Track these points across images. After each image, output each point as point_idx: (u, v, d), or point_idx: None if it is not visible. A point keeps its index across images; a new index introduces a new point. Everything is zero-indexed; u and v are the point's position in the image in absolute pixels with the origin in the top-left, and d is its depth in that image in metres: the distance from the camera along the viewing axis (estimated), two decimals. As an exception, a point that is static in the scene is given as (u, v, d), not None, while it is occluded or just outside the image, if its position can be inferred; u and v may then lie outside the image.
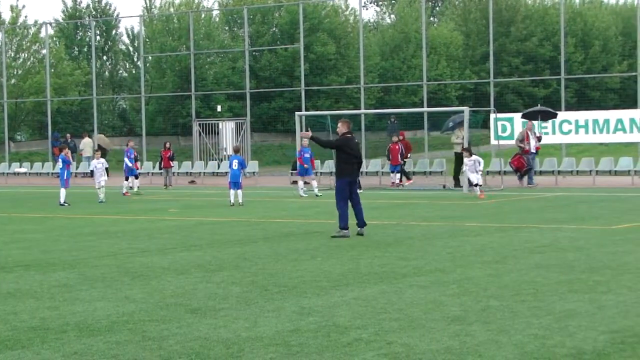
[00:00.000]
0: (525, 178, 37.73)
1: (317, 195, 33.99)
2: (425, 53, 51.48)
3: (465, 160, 32.53)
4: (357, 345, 9.47)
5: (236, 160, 30.97)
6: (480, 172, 32.29)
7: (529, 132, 38.20)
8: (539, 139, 38.60)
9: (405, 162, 41.77)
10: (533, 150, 37.97)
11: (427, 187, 39.39)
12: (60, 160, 32.68)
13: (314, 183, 35.29)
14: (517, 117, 44.17)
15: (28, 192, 41.67)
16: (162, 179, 43.73)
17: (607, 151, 48.78)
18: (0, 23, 67.71)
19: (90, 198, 33.49)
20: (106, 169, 34.75)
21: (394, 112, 56.71)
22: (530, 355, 8.93)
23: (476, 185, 31.90)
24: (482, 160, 32.40)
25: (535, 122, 39.18)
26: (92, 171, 34.92)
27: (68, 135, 58.34)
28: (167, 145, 43.38)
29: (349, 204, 20.07)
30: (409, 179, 41.26)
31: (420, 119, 51.78)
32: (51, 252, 17.97)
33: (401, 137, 42.15)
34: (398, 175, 40.98)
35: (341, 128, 20.53)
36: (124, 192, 37.07)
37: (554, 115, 40.54)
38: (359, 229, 20.09)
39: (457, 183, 38.09)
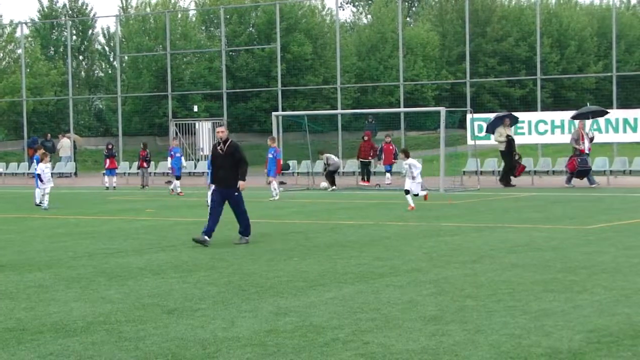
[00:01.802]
0: (573, 180, 36.78)
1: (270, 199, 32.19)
2: (401, 53, 51.53)
3: (403, 163, 28.32)
4: (334, 345, 9.48)
5: None
6: (418, 180, 27.27)
7: (582, 132, 37.35)
8: (591, 139, 37.89)
9: (370, 162, 41.97)
10: (587, 151, 37.02)
11: (403, 187, 39.37)
12: (35, 161, 32.50)
13: (274, 184, 33.07)
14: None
15: (3, 192, 41.45)
16: (139, 178, 43.67)
17: (583, 151, 48.92)
18: (-24, 23, 67.36)
19: (67, 198, 33.34)
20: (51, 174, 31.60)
21: (371, 112, 56.77)
22: (506, 355, 8.96)
23: (407, 192, 27.11)
24: (419, 166, 27.54)
25: (587, 122, 38.69)
26: (38, 175, 30.44)
27: (48, 135, 58.25)
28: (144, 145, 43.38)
29: (221, 211, 19.13)
30: (368, 180, 41.29)
31: (397, 119, 51.84)
32: (26, 252, 17.90)
33: (366, 138, 42.23)
34: (388, 174, 41.17)
35: (224, 135, 19.21)
36: (178, 192, 36.40)
37: (605, 113, 40.05)
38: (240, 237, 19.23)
39: (507, 183, 37.67)
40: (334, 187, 38.09)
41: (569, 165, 37.41)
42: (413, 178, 27.05)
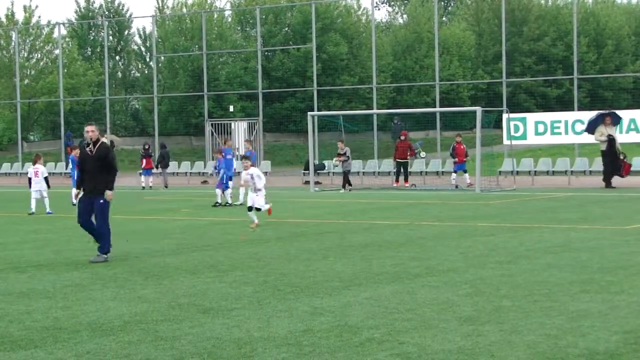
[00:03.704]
0: None
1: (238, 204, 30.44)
2: (437, 53, 51.45)
3: (243, 174, 23.99)
4: (370, 345, 9.47)
5: None
6: (262, 192, 23.21)
7: None
8: None
9: (408, 161, 41.76)
10: None
11: (439, 187, 39.35)
12: (70, 160, 32.82)
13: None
14: (529, 117, 44.05)
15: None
16: (175, 179, 44.03)
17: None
18: (14, 23, 67.94)
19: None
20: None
21: (406, 112, 56.76)
22: (542, 356, 8.91)
23: (250, 209, 23.01)
24: (262, 175, 23.58)
25: None
26: (46, 177, 29.64)
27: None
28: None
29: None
30: (406, 180, 40.98)
31: (432, 119, 51.78)
32: (64, 252, 18.01)
33: (403, 137, 42.05)
34: (466, 175, 40.48)
35: (95, 135, 16.71)
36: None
37: None
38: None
39: (609, 183, 36.40)
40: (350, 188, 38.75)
41: None
42: (256, 191, 23.07)
